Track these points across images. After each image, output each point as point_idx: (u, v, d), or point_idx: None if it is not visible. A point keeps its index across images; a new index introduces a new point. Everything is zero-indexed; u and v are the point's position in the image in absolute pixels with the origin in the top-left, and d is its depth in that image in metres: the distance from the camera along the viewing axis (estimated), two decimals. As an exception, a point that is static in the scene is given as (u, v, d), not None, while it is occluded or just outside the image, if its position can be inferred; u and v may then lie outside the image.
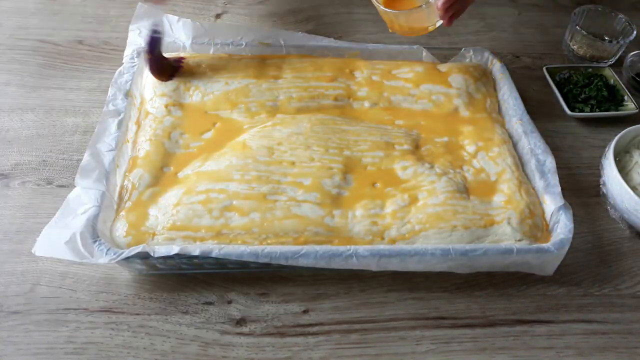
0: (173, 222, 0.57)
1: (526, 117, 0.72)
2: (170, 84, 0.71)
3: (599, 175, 0.70)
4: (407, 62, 0.80)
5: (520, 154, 0.70)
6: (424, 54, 0.81)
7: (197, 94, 0.71)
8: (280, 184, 0.62)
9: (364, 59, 0.80)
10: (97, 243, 0.53)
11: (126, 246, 0.55)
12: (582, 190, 0.72)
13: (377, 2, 0.70)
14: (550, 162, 0.66)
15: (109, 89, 0.68)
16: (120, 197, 0.60)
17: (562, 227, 0.60)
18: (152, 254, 0.53)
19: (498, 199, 0.63)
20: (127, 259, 0.53)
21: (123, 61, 0.73)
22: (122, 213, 0.58)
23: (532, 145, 0.69)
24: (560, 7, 1.02)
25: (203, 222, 0.57)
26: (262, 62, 0.76)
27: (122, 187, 0.61)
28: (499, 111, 0.76)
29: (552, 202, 0.62)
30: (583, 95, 0.81)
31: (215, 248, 0.54)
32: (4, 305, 0.56)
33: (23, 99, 0.76)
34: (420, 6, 0.69)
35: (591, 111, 0.80)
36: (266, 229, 0.58)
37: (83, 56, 0.83)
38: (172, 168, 0.63)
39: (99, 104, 0.75)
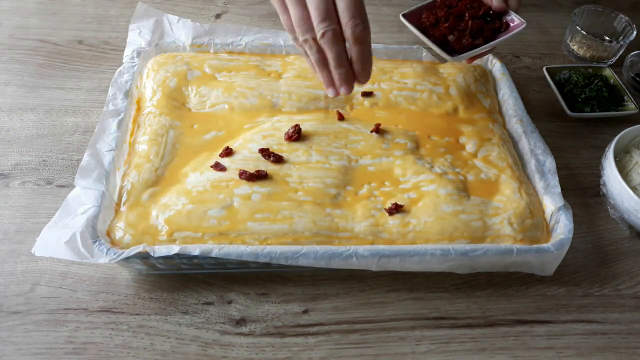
0: (173, 222, 0.57)
1: (526, 117, 0.72)
2: (170, 85, 0.71)
3: (599, 175, 0.70)
4: (407, 61, 0.80)
5: (520, 154, 0.70)
6: (424, 53, 0.81)
7: (197, 94, 0.71)
8: (280, 185, 0.62)
9: (364, 59, 0.80)
10: (97, 243, 0.53)
11: (126, 246, 0.55)
12: (582, 190, 0.72)
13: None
14: (550, 163, 0.66)
15: (109, 88, 0.68)
16: (120, 197, 0.60)
17: (562, 227, 0.60)
18: (152, 254, 0.53)
19: (498, 199, 0.63)
20: (127, 259, 0.53)
21: (123, 61, 0.73)
22: (122, 213, 0.58)
23: (532, 145, 0.69)
24: (560, 7, 1.02)
25: (203, 222, 0.57)
26: (262, 62, 0.76)
27: (121, 187, 0.61)
28: (499, 111, 0.76)
29: (552, 203, 0.62)
30: (583, 96, 0.81)
31: (215, 248, 0.54)
32: (3, 305, 0.56)
33: (23, 99, 0.76)
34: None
35: (591, 111, 0.80)
36: (266, 229, 0.58)
37: (83, 56, 0.83)
38: (171, 168, 0.63)
39: (99, 104, 0.75)
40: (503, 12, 0.69)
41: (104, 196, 0.58)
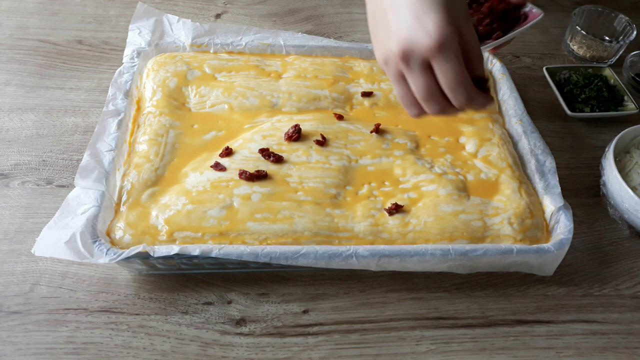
0: (173, 222, 0.57)
1: (526, 117, 0.72)
2: (170, 85, 0.71)
3: (599, 175, 0.70)
4: (407, 62, 0.80)
5: (520, 154, 0.70)
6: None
7: (196, 94, 0.71)
8: (280, 185, 0.62)
9: (364, 58, 0.80)
10: (97, 243, 0.53)
11: (126, 246, 0.55)
12: (582, 190, 0.72)
13: None
14: (550, 163, 0.66)
15: (109, 88, 0.68)
16: (120, 197, 0.60)
17: (562, 227, 0.60)
18: (152, 254, 0.53)
19: (498, 199, 0.63)
20: (127, 259, 0.53)
21: (123, 61, 0.73)
22: (122, 213, 0.58)
23: (532, 145, 0.69)
24: (560, 7, 1.02)
25: (203, 222, 0.57)
26: (262, 62, 0.76)
27: (121, 187, 0.61)
28: (499, 111, 0.76)
29: (552, 203, 0.62)
30: (583, 96, 0.81)
31: (215, 248, 0.54)
32: (3, 305, 0.56)
33: (23, 99, 0.76)
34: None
35: (591, 111, 0.80)
36: (266, 229, 0.58)
37: (83, 56, 0.83)
38: (171, 168, 0.63)
39: (98, 104, 0.75)
40: (522, 5, 0.70)
41: (103, 196, 0.58)
